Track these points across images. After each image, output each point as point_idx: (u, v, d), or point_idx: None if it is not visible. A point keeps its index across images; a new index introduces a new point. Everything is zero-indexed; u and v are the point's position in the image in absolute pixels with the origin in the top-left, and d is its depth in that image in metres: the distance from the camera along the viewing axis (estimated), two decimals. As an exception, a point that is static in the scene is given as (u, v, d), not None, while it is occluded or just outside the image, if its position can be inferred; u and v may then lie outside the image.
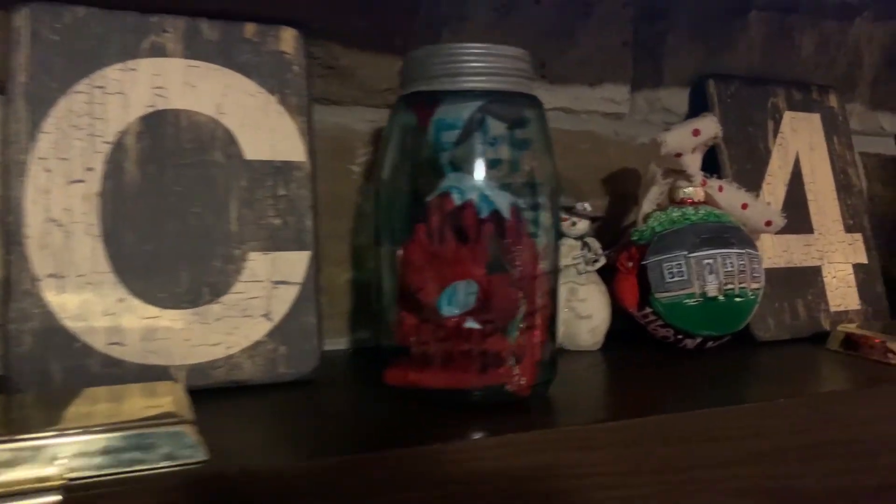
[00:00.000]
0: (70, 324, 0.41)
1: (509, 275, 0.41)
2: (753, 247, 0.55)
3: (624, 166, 0.63)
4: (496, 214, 0.41)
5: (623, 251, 0.56)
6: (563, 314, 0.55)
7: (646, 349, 0.56)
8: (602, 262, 0.57)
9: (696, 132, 0.52)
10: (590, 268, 0.56)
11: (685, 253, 0.52)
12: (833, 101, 0.69)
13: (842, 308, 0.64)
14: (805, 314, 0.62)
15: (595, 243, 0.57)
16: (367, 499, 0.33)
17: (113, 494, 0.29)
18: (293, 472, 0.32)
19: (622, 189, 0.62)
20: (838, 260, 0.65)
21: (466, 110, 0.41)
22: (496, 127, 0.41)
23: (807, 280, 0.63)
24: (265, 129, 0.46)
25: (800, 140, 0.66)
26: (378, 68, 0.54)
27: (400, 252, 0.42)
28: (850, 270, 0.66)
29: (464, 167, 0.41)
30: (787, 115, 0.66)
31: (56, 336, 0.41)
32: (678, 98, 0.66)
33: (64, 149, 0.42)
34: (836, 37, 0.72)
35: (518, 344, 0.41)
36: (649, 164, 0.55)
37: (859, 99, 0.76)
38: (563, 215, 0.56)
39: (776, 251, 0.62)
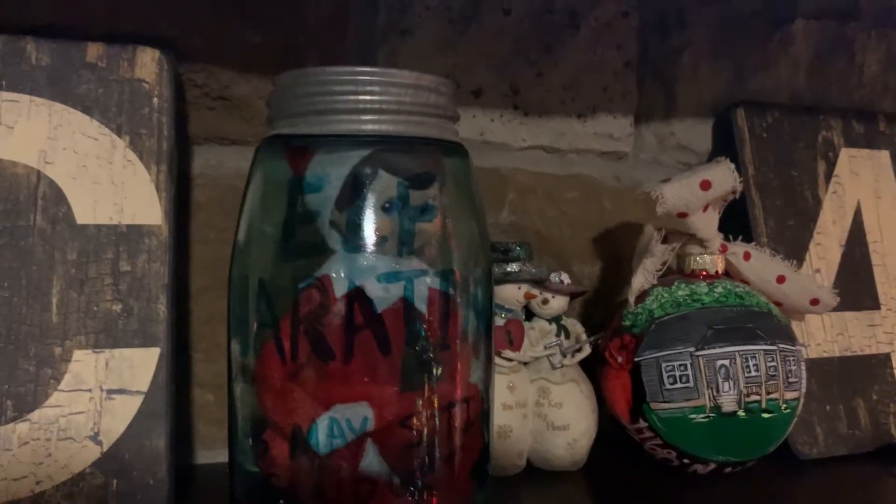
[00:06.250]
0: None
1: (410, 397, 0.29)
2: (790, 339, 0.40)
3: (625, 220, 0.49)
4: (400, 305, 0.29)
5: (614, 337, 0.42)
6: (531, 423, 0.41)
7: (643, 472, 0.42)
8: (586, 352, 0.43)
9: (704, 185, 0.38)
10: (567, 361, 0.42)
11: (691, 349, 0.38)
12: (907, 134, 0.54)
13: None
14: (868, 420, 0.47)
15: (576, 327, 0.43)
16: None
17: None
18: None
19: (621, 251, 0.48)
20: (915, 344, 0.49)
21: (347, 162, 0.29)
22: (391, 185, 0.29)
23: (871, 373, 0.49)
24: (107, 183, 0.35)
25: (862, 186, 0.51)
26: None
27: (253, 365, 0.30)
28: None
29: (349, 241, 0.29)
30: (845, 154, 0.51)
31: None
32: (698, 132, 0.51)
33: None
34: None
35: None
36: (645, 225, 0.41)
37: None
38: (532, 290, 0.42)
39: (829, 335, 0.47)
